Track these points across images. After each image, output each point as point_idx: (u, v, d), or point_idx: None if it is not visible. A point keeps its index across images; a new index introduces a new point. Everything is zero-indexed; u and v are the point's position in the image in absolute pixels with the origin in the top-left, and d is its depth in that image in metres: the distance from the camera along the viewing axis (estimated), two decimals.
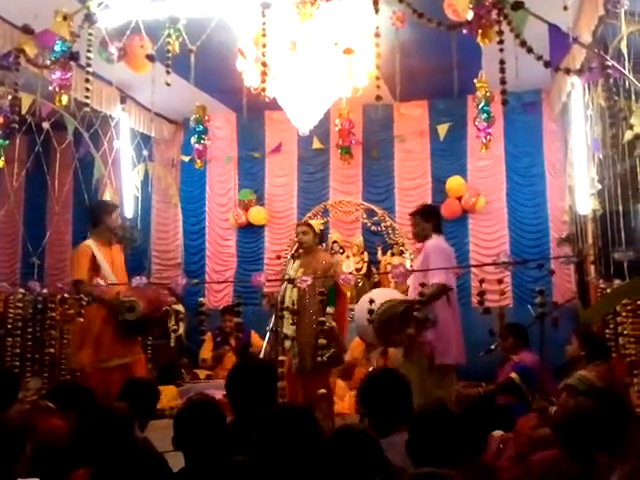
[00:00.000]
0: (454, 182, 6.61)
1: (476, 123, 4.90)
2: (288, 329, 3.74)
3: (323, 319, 3.28)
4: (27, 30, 3.73)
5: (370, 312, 3.03)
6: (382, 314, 3.15)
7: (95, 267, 3.78)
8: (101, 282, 3.52)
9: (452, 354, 3.61)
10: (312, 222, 4.59)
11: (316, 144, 6.92)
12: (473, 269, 6.56)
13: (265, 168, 7.32)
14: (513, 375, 3.99)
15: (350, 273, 6.13)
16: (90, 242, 3.89)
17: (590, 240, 5.39)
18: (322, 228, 4.64)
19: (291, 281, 3.65)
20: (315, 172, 7.23)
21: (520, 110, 6.21)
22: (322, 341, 3.24)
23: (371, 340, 3.65)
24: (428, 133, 6.83)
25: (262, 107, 6.21)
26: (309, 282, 2.96)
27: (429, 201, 6.77)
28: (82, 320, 3.42)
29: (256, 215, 7.17)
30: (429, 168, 6.86)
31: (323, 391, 3.07)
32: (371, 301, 3.06)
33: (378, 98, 3.10)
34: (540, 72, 3.28)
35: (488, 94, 4.84)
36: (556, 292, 6.08)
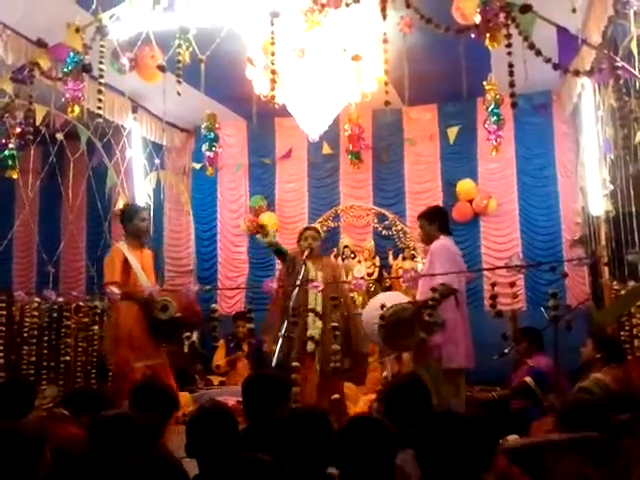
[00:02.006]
0: (465, 185, 6.60)
1: (486, 126, 4.88)
2: (314, 331, 3.76)
3: (336, 324, 3.29)
4: (41, 44, 3.81)
5: (381, 317, 3.03)
6: (388, 318, 3.15)
7: (127, 270, 3.84)
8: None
9: (460, 358, 3.60)
10: (318, 227, 4.61)
11: (326, 149, 6.94)
12: (485, 272, 6.54)
13: (276, 174, 7.36)
14: (527, 379, 3.97)
15: (362, 278, 6.15)
16: (122, 245, 3.98)
17: (603, 241, 5.35)
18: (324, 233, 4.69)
19: (308, 283, 3.66)
20: (325, 177, 7.24)
21: (530, 112, 6.20)
22: (336, 347, 3.24)
23: (379, 344, 3.66)
24: (438, 136, 6.82)
25: (272, 114, 6.25)
26: (321, 287, 2.96)
27: (440, 204, 6.74)
28: (115, 320, 3.46)
29: (267, 221, 7.19)
30: (439, 171, 6.84)
31: (337, 396, 3.06)
32: (382, 306, 3.07)
33: (387, 103, 3.13)
34: (550, 73, 3.28)
35: (498, 97, 4.82)
36: (570, 294, 6.03)
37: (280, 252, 4.34)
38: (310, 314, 3.73)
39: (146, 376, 3.11)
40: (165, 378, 3.78)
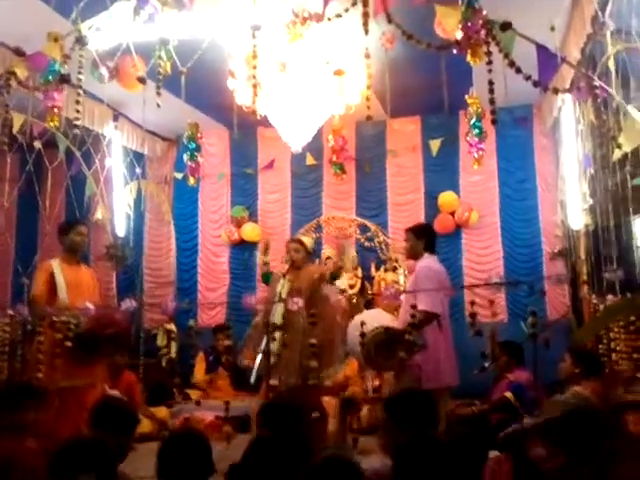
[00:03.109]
0: (447, 197, 6.63)
1: (468, 139, 4.91)
2: (273, 345, 3.72)
3: (314, 341, 3.25)
4: (19, 53, 3.72)
5: (362, 335, 3.01)
6: (369, 338, 3.13)
7: (53, 286, 3.75)
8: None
9: (442, 378, 3.57)
10: (304, 239, 4.57)
11: (309, 160, 6.93)
12: (467, 284, 6.56)
13: (258, 184, 7.32)
14: (508, 394, 3.96)
15: (343, 291, 6.13)
16: (54, 261, 3.91)
17: (583, 255, 5.40)
18: (314, 246, 4.63)
19: (281, 299, 3.63)
20: (308, 188, 7.23)
21: (512, 125, 6.26)
22: (314, 364, 3.21)
23: (361, 360, 3.63)
24: (420, 148, 6.86)
25: (255, 124, 6.23)
26: (300, 304, 2.93)
27: (422, 216, 6.79)
28: (40, 340, 3.37)
29: (249, 232, 7.15)
30: (422, 183, 6.88)
31: (316, 414, 3.02)
32: (362, 323, 3.04)
33: (369, 118, 3.12)
34: (530, 87, 3.28)
35: (479, 110, 4.86)
36: (550, 307, 6.08)
37: (266, 280, 4.34)
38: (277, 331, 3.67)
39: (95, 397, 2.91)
40: (90, 399, 3.48)
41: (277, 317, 3.68)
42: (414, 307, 3.07)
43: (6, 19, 4.31)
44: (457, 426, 3.55)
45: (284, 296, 3.60)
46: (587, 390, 3.35)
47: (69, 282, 3.81)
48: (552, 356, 3.87)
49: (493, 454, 3.10)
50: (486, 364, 4.17)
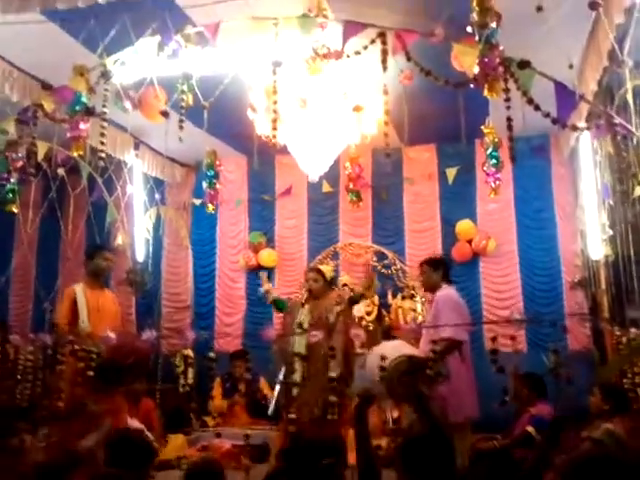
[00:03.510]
0: (464, 225, 6.62)
1: (485, 168, 4.92)
2: (296, 376, 3.70)
3: (333, 374, 3.23)
4: (46, 86, 3.85)
5: (382, 369, 2.99)
6: (392, 369, 3.11)
7: (75, 311, 3.77)
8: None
9: (466, 410, 3.53)
10: (323, 268, 4.57)
11: (326, 187, 6.97)
12: (485, 313, 6.50)
13: (275, 211, 7.38)
14: (529, 428, 3.89)
15: (361, 318, 6.11)
16: (78, 285, 3.93)
17: (603, 286, 5.33)
18: (333, 274, 4.62)
19: (300, 327, 3.62)
20: (325, 215, 7.27)
21: (529, 154, 6.24)
22: (333, 398, 3.19)
23: (384, 396, 3.59)
24: (437, 176, 6.87)
25: (272, 152, 6.29)
26: (320, 336, 2.93)
27: (439, 244, 6.78)
28: (61, 368, 3.38)
29: (266, 257, 7.19)
30: (438, 211, 6.87)
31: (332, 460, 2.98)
32: (382, 357, 3.03)
33: (388, 155, 3.14)
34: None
35: (496, 140, 4.88)
36: (571, 337, 5.97)
37: (280, 307, 4.33)
38: (296, 358, 3.66)
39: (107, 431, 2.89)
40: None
41: (300, 347, 3.66)
42: (435, 342, 3.06)
43: (35, 51, 4.47)
44: (478, 461, 3.48)
45: (306, 326, 3.59)
46: (619, 427, 3.28)
47: (91, 307, 3.84)
48: (574, 387, 3.82)
49: None
50: (507, 397, 4.11)
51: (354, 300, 4.34)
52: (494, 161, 4.85)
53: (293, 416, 3.13)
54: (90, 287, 3.94)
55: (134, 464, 2.30)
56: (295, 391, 3.70)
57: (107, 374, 3.45)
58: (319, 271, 4.40)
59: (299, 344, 3.78)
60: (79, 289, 3.87)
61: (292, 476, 2.02)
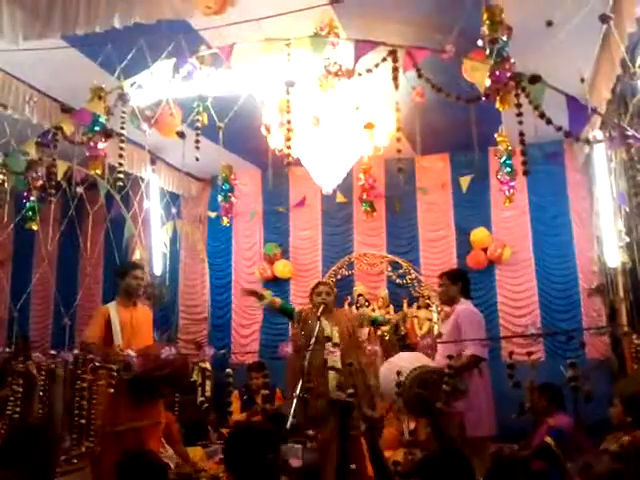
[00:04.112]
0: (479, 233, 6.61)
1: (499, 177, 4.92)
2: (335, 390, 3.68)
3: (351, 391, 3.25)
4: (65, 109, 3.94)
5: (397, 385, 3.01)
6: (407, 386, 3.11)
7: (110, 330, 3.82)
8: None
9: (483, 427, 3.53)
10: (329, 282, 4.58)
11: (339, 198, 7.01)
12: (502, 321, 6.48)
13: (290, 222, 7.44)
14: (548, 439, 3.86)
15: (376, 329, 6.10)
16: (111, 304, 3.97)
17: (621, 293, 5.28)
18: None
19: (329, 340, 3.61)
20: (339, 225, 7.31)
21: (543, 161, 6.23)
22: (354, 413, 3.20)
23: (400, 409, 3.60)
24: (450, 185, 6.88)
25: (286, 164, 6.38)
26: (338, 354, 2.96)
27: (454, 253, 6.78)
28: (82, 386, 3.43)
29: (282, 269, 7.24)
30: (452, 220, 6.88)
31: (353, 467, 3.00)
32: (398, 373, 3.04)
33: (400, 170, 3.18)
34: (562, 122, 3.28)
35: (509, 148, 4.88)
36: (589, 346, 5.93)
37: (286, 312, 4.33)
38: (331, 372, 3.65)
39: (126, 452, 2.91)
40: (152, 439, 3.68)
41: (336, 361, 3.64)
42: (451, 357, 3.06)
43: (55, 75, 4.59)
44: (498, 472, 3.47)
45: (336, 340, 3.59)
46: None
47: (124, 325, 3.86)
48: (594, 396, 3.79)
49: None
50: (527, 406, 4.08)
51: (378, 323, 4.34)
52: (508, 169, 4.86)
53: (312, 432, 3.16)
54: (124, 305, 3.96)
55: None
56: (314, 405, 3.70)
57: (140, 387, 3.51)
58: (330, 285, 4.43)
59: (333, 358, 3.74)
60: (113, 308, 3.91)
61: None
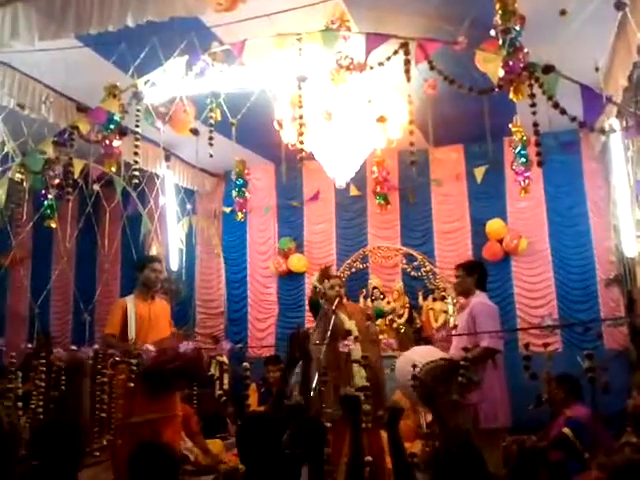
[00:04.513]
0: (494, 224, 6.57)
1: (514, 167, 4.89)
2: (361, 382, 3.69)
3: (366, 384, 3.27)
4: (81, 109, 4.00)
5: (413, 377, 3.02)
6: (424, 378, 3.12)
7: (125, 324, 3.86)
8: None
9: (499, 417, 3.52)
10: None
11: (353, 191, 7.00)
12: (518, 312, 6.44)
13: (304, 216, 7.46)
14: (566, 430, 3.84)
15: (392, 320, 6.12)
16: (129, 297, 4.02)
17: (639, 283, 5.22)
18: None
19: (349, 334, 3.62)
20: (353, 218, 7.31)
21: (558, 150, 6.17)
22: (366, 407, 3.21)
23: (415, 402, 3.61)
24: (465, 176, 6.83)
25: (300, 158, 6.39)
26: (352, 347, 2.98)
27: (469, 244, 6.75)
28: (103, 380, 3.47)
29: (296, 263, 7.28)
30: (468, 211, 6.84)
31: (369, 459, 3.03)
32: (414, 366, 3.05)
33: (412, 163, 3.17)
34: (577, 112, 3.25)
35: (524, 138, 4.84)
36: (607, 336, 5.88)
37: (317, 307, 4.33)
38: (355, 365, 3.66)
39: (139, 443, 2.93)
40: (167, 431, 3.70)
41: (357, 354, 3.66)
42: (466, 350, 3.06)
43: (71, 74, 4.64)
44: (516, 463, 3.48)
45: (357, 334, 3.60)
46: None
47: (141, 318, 3.90)
48: (612, 385, 3.76)
49: None
50: (543, 398, 4.06)
51: (382, 314, 4.34)
52: (523, 160, 4.83)
53: (328, 424, 3.18)
54: (142, 299, 4.00)
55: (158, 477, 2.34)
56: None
57: (153, 380, 3.55)
58: (341, 278, 4.45)
59: (356, 351, 3.76)
60: (130, 302, 3.96)
61: None
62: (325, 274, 4.30)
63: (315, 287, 4.24)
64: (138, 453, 2.42)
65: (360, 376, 3.62)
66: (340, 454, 3.58)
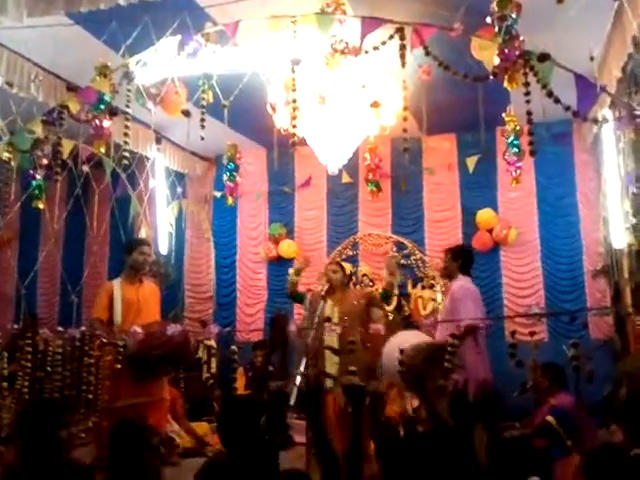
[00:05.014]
0: (485, 214, 6.59)
1: (506, 157, 4.88)
2: (331, 368, 3.74)
3: (353, 368, 3.30)
4: (71, 88, 3.93)
5: (400, 362, 3.04)
6: (408, 364, 3.15)
7: (111, 307, 3.84)
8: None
9: None
10: (344, 264, 4.59)
11: (345, 178, 6.99)
12: (506, 302, 6.49)
13: (295, 202, 7.44)
14: (549, 418, 3.89)
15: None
16: (116, 281, 3.98)
17: (626, 274, 5.28)
18: (352, 271, 4.64)
19: (328, 320, 3.65)
20: (344, 205, 7.30)
21: (550, 141, 6.18)
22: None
23: (402, 386, 3.65)
24: (457, 165, 6.84)
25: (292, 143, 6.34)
26: (339, 331, 2.99)
27: (459, 233, 6.77)
28: (90, 362, 3.47)
29: (286, 249, 7.26)
30: (459, 200, 6.85)
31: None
32: (401, 351, 3.07)
33: (406, 150, 3.16)
34: (570, 101, 3.24)
35: (517, 128, 4.83)
36: (592, 326, 5.95)
37: (298, 299, 4.36)
38: (326, 351, 3.72)
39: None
40: (153, 415, 3.67)
41: (333, 341, 3.71)
42: (454, 336, 3.09)
43: (60, 53, 4.55)
44: (499, 451, 3.52)
45: (335, 320, 3.64)
46: None
47: (127, 302, 3.86)
48: (597, 375, 3.81)
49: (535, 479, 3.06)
50: (527, 385, 4.10)
51: (386, 295, 4.35)
52: (515, 150, 4.82)
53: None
54: (129, 282, 3.97)
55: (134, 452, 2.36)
56: (329, 383, 3.76)
57: (138, 366, 3.54)
58: (339, 264, 4.45)
59: (333, 338, 3.79)
60: (117, 285, 3.93)
61: None
62: (302, 266, 4.41)
63: (289, 278, 4.32)
64: (116, 428, 2.46)
65: (332, 362, 3.67)
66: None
